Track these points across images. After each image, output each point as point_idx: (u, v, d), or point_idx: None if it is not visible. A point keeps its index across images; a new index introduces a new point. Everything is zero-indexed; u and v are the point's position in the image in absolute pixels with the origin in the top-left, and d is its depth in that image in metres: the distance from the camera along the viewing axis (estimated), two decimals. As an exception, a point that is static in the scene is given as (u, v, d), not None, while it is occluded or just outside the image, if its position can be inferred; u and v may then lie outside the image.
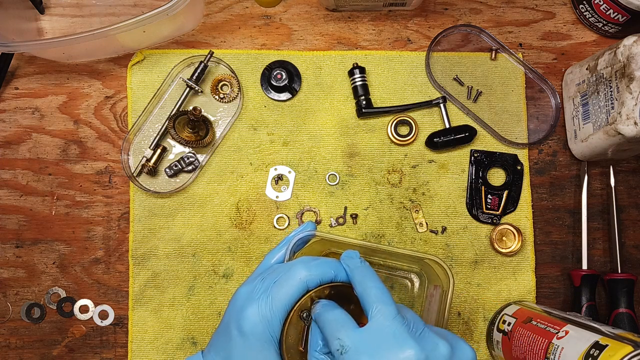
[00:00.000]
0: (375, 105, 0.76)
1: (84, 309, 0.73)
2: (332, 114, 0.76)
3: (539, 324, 0.62)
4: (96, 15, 0.78)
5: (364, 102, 0.75)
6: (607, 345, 0.52)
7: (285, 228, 0.74)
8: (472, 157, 0.75)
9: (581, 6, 0.75)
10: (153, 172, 0.74)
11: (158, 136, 0.74)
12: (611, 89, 0.65)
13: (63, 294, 0.74)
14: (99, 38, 0.65)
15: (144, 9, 0.78)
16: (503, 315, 0.70)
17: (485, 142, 0.76)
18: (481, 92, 0.77)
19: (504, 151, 0.75)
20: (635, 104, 0.62)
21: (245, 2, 0.78)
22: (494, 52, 0.77)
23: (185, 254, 0.74)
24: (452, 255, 0.74)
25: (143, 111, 0.74)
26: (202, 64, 0.74)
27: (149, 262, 0.74)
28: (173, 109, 0.75)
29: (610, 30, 0.75)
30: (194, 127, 0.72)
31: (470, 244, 0.74)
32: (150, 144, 0.74)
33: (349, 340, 0.47)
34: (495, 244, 0.73)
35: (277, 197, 0.75)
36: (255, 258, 0.74)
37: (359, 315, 0.53)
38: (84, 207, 0.75)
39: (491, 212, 0.74)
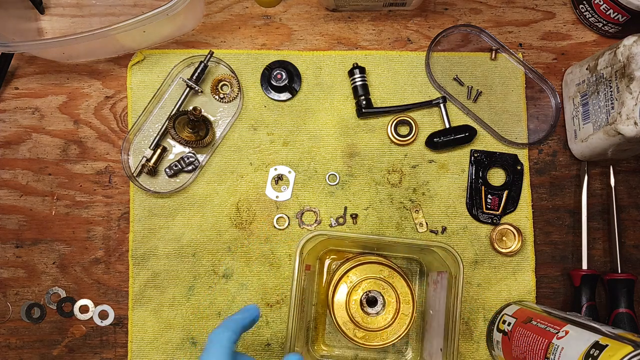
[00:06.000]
0: (375, 105, 0.76)
1: (84, 309, 0.73)
2: (332, 114, 0.76)
3: (539, 324, 0.62)
4: (96, 15, 0.78)
5: (364, 102, 0.75)
6: (607, 345, 0.52)
7: (285, 228, 0.74)
8: (472, 157, 0.75)
9: (581, 6, 0.75)
10: (153, 172, 0.74)
11: (158, 136, 0.74)
12: (611, 89, 0.65)
13: (63, 294, 0.74)
14: (99, 38, 0.65)
15: (144, 9, 0.78)
16: (503, 315, 0.70)
17: (485, 142, 0.76)
18: (481, 92, 0.77)
19: (504, 151, 0.75)
20: (635, 104, 0.62)
21: (245, 2, 0.78)
22: (494, 52, 0.77)
23: (185, 254, 0.74)
24: (452, 255, 0.74)
25: (143, 111, 0.74)
26: (202, 64, 0.74)
27: (149, 262, 0.74)
28: (173, 109, 0.75)
29: (610, 30, 0.75)
30: (194, 127, 0.72)
31: (470, 244, 0.74)
32: (150, 144, 0.74)
33: None
34: (495, 244, 0.73)
35: (277, 197, 0.75)
36: (255, 258, 0.74)
37: None
38: (84, 207, 0.75)
39: (491, 212, 0.74)
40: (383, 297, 0.67)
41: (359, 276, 0.68)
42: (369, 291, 0.68)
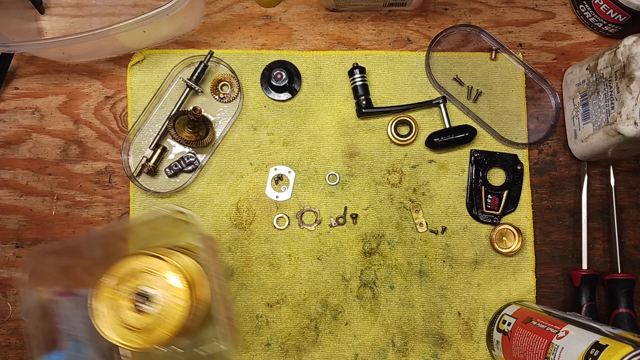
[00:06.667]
0: (375, 105, 0.76)
1: (84, 309, 0.73)
2: (332, 114, 0.76)
3: (539, 324, 0.62)
4: (96, 15, 0.78)
5: (364, 102, 0.75)
6: (607, 345, 0.52)
7: (285, 228, 0.74)
8: (472, 157, 0.75)
9: (581, 6, 0.76)
10: (153, 172, 0.74)
11: (158, 136, 0.74)
12: (611, 89, 0.65)
13: (63, 294, 0.74)
14: (99, 38, 0.65)
15: (144, 9, 0.78)
16: (503, 315, 0.70)
17: (485, 142, 0.76)
18: (481, 92, 0.77)
19: (504, 151, 0.75)
20: (635, 104, 0.62)
21: (245, 2, 0.78)
22: (494, 52, 0.77)
23: (185, 254, 0.74)
24: (452, 255, 0.74)
25: (143, 111, 0.74)
26: (202, 64, 0.74)
27: (149, 262, 0.74)
28: (173, 109, 0.75)
29: (610, 30, 0.75)
30: (194, 127, 0.72)
31: (470, 244, 0.74)
32: (150, 144, 0.74)
33: None
34: (495, 244, 0.73)
35: (277, 197, 0.75)
36: (255, 258, 0.74)
37: None
38: (84, 207, 0.75)
39: (491, 212, 0.74)
40: (154, 291, 0.59)
41: (123, 276, 0.60)
42: (138, 289, 0.59)
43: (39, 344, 0.57)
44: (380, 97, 0.76)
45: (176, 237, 0.65)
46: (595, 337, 0.54)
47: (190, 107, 0.69)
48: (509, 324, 0.67)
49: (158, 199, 0.74)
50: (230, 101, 0.76)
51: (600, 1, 0.72)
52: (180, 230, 0.61)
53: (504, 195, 0.75)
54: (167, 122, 0.73)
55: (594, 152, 0.71)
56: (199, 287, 0.62)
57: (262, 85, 0.76)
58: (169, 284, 0.60)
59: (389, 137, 0.76)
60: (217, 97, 0.75)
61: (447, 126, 0.75)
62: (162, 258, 0.60)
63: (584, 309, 0.70)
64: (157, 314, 0.59)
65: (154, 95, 0.74)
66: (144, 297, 0.60)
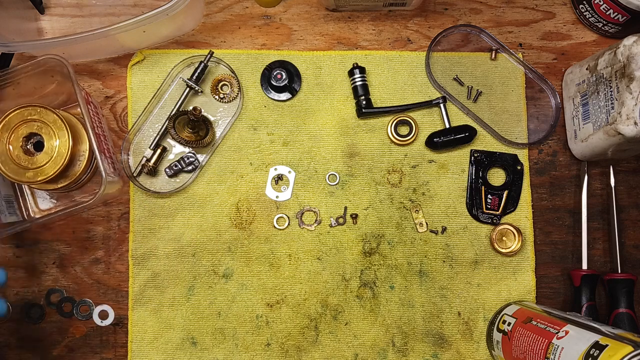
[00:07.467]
0: (375, 105, 0.76)
1: (84, 309, 0.73)
2: (332, 114, 0.76)
3: (539, 324, 0.62)
4: (96, 15, 0.78)
5: (364, 102, 0.75)
6: (607, 345, 0.52)
7: (285, 228, 0.74)
8: (472, 157, 0.75)
9: (581, 6, 0.76)
10: (153, 172, 0.74)
11: (158, 136, 0.74)
12: (611, 89, 0.65)
13: (63, 294, 0.74)
14: (99, 38, 0.65)
15: (144, 9, 0.78)
16: (503, 315, 0.70)
17: (485, 142, 0.76)
18: (481, 92, 0.77)
19: (504, 151, 0.76)
20: (635, 104, 0.62)
21: (245, 2, 0.78)
22: (494, 52, 0.77)
23: (185, 254, 0.74)
24: (452, 255, 0.74)
25: (143, 111, 0.74)
26: (202, 64, 0.74)
27: (148, 262, 0.74)
28: (173, 109, 0.75)
29: (610, 30, 0.76)
30: (194, 127, 0.72)
31: (470, 244, 0.74)
32: (150, 144, 0.74)
33: None
34: (495, 244, 0.73)
35: (277, 197, 0.75)
36: (255, 258, 0.74)
37: None
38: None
39: (491, 212, 0.74)
40: (42, 136, 0.68)
41: (12, 123, 0.68)
42: (29, 134, 0.68)
43: None
44: (380, 97, 0.76)
45: (55, 88, 0.73)
46: (595, 337, 0.54)
47: (190, 107, 0.69)
48: (509, 324, 0.67)
49: (158, 199, 0.74)
50: (230, 101, 0.76)
51: (600, 1, 0.72)
52: (54, 79, 0.71)
53: (504, 195, 0.75)
54: (167, 122, 0.73)
55: (594, 152, 0.71)
56: (79, 137, 0.70)
57: (262, 85, 0.76)
58: (53, 130, 0.68)
59: (389, 137, 0.76)
60: (217, 97, 0.76)
61: (447, 126, 0.75)
62: (48, 109, 0.68)
63: (584, 309, 0.70)
64: (43, 156, 0.67)
65: (154, 95, 0.74)
66: (34, 141, 0.68)
